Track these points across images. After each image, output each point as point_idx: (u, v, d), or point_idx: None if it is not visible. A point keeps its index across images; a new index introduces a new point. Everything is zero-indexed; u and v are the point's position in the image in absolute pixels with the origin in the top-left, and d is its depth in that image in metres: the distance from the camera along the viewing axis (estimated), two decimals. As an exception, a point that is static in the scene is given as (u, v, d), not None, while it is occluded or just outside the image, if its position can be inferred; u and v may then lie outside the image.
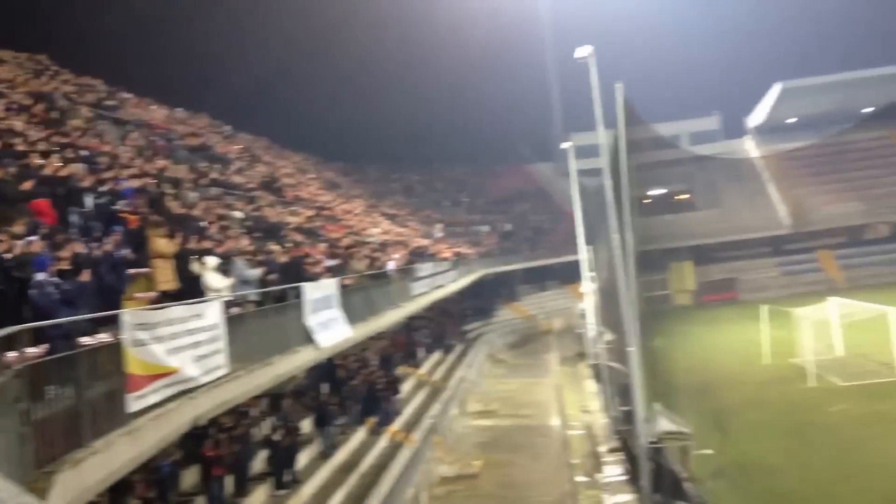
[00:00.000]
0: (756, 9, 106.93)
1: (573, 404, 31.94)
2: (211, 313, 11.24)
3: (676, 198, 78.03)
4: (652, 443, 17.08)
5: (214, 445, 14.79)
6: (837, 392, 27.71)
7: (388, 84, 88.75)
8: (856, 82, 73.92)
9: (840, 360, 32.19)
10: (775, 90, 74.71)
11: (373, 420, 22.45)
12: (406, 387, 28.30)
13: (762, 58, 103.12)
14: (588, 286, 39.04)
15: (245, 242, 17.85)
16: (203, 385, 10.60)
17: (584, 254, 40.13)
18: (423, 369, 32.86)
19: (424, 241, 44.32)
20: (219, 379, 11.10)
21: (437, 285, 33.80)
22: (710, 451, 19.17)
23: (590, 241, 39.24)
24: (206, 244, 14.80)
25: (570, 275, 56.89)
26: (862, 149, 78.30)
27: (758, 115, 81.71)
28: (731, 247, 72.76)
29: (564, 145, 44.99)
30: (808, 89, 74.10)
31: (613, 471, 21.27)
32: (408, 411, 25.64)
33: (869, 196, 72.08)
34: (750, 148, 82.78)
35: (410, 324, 34.35)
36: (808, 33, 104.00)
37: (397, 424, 23.42)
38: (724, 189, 77.63)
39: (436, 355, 37.06)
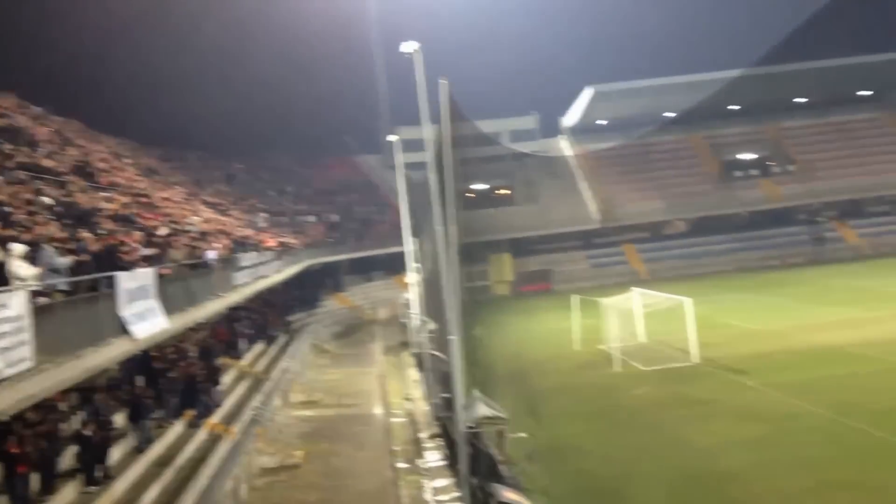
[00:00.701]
0: (572, 16, 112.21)
1: (396, 393, 32.45)
2: (15, 304, 10.66)
3: (497, 192, 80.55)
4: (470, 428, 17.68)
5: (18, 442, 13.98)
6: (640, 376, 29.76)
7: (210, 69, 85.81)
8: (660, 88, 79.19)
9: (642, 347, 34.53)
10: (588, 93, 78.68)
11: (191, 413, 21.87)
12: (227, 378, 27.72)
13: (576, 62, 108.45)
14: (413, 277, 39.70)
15: (54, 229, 16.92)
16: (5, 379, 10.07)
17: (409, 245, 40.76)
18: (245, 360, 32.29)
19: (247, 231, 43.40)
20: (23, 372, 10.57)
21: (260, 275, 33.28)
22: (524, 435, 20.10)
23: (415, 232, 39.91)
24: (12, 231, 13.94)
25: (395, 266, 57.54)
26: (664, 150, 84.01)
27: (572, 116, 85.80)
28: (547, 240, 76.18)
29: (391, 138, 45.45)
30: (617, 93, 78.57)
31: (433, 456, 21.88)
32: (228, 403, 25.17)
33: (669, 195, 77.54)
34: (564, 147, 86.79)
35: (232, 314, 33.62)
36: (619, 41, 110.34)
37: (217, 417, 22.93)
38: (541, 185, 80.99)
39: (258, 346, 36.47)
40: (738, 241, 74.47)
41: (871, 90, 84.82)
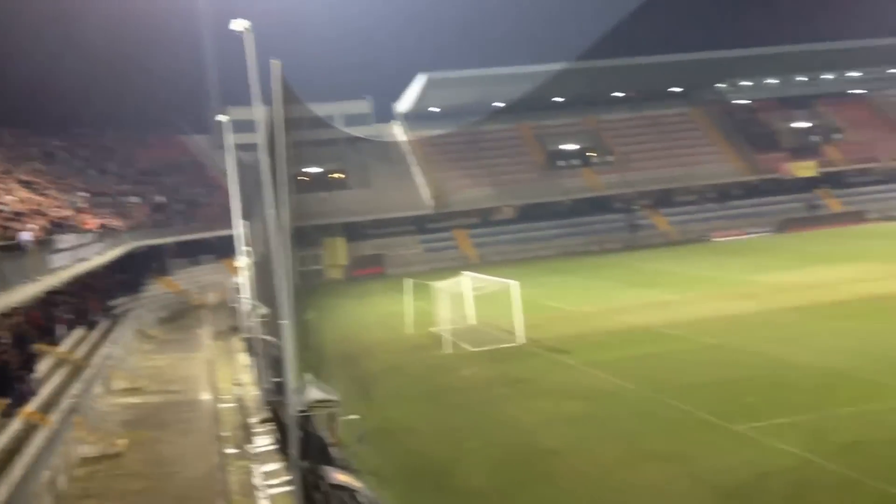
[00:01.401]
0: (407, 2, 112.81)
1: (225, 378, 31.80)
2: None
3: (330, 176, 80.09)
4: (301, 412, 17.68)
5: None
6: (469, 357, 30.68)
7: (25, 42, 79.93)
8: (490, 78, 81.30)
9: (472, 329, 35.58)
10: (421, 80, 79.65)
11: (4, 401, 20.57)
12: (43, 366, 26.21)
13: (411, 48, 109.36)
14: (243, 261, 38.90)
15: None
16: None
17: (239, 228, 39.89)
18: (64, 347, 30.61)
19: (66, 212, 40.98)
20: None
21: (80, 258, 31.58)
22: (356, 417, 20.31)
23: (246, 215, 39.09)
24: None
25: (225, 249, 56.10)
26: (494, 139, 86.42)
27: (405, 102, 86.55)
28: (380, 224, 76.67)
29: (220, 118, 44.22)
30: (449, 81, 79.98)
31: (263, 441, 21.70)
32: (45, 391, 23.82)
33: (498, 182, 79.95)
34: (398, 132, 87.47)
35: (49, 299, 31.73)
36: (453, 30, 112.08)
37: (33, 405, 21.69)
38: (375, 170, 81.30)
39: (78, 332, 34.64)
40: (562, 227, 77.97)
41: (681, 87, 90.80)
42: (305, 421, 17.59)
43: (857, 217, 75.42)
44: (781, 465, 16.03)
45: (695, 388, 22.71)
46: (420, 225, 78.40)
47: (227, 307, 50.11)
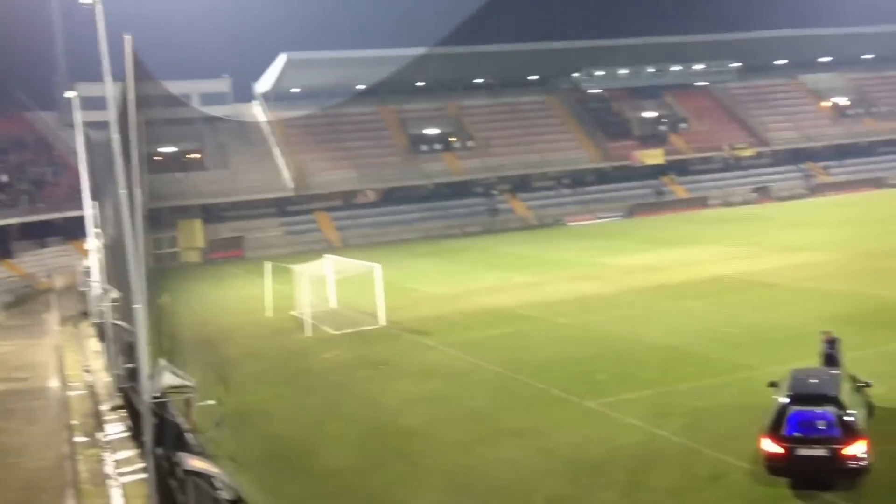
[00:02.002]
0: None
1: (75, 364, 30.45)
2: None
3: (187, 157, 77.50)
4: (155, 398, 17.23)
5: None
6: (330, 340, 30.64)
7: None
8: (352, 61, 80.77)
9: (334, 312, 35.49)
10: (281, 60, 78.11)
11: None
12: None
13: (271, 28, 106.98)
14: (93, 243, 37.21)
15: None
16: None
17: (89, 209, 38.10)
18: None
19: None
20: None
21: None
22: (212, 402, 19.98)
23: (96, 196, 37.38)
24: None
25: (74, 230, 53.42)
26: (356, 122, 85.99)
27: (265, 82, 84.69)
28: (239, 206, 75.02)
29: (69, 95, 42.05)
30: (311, 62, 78.90)
31: (115, 428, 21.00)
32: None
33: (361, 165, 79.75)
34: (258, 113, 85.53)
35: None
36: (313, 11, 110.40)
37: None
38: (233, 150, 79.29)
39: None
40: (424, 211, 78.68)
41: (539, 75, 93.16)
42: (160, 407, 17.16)
43: (700, 203, 79.88)
44: (628, 438, 16.95)
45: (549, 366, 23.58)
46: (281, 207, 77.20)
47: (76, 291, 47.81)
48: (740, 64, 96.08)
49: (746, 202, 79.34)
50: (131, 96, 18.20)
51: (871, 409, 15.69)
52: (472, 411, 20.05)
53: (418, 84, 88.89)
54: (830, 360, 17.00)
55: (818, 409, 13.62)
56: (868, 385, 15.94)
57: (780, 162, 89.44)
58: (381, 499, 15.21)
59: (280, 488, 16.17)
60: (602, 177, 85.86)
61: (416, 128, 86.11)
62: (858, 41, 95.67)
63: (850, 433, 13.24)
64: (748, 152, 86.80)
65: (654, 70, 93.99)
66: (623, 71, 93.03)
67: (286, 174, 77.37)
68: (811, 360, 20.71)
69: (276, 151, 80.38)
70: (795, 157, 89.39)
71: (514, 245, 60.46)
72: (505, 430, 18.35)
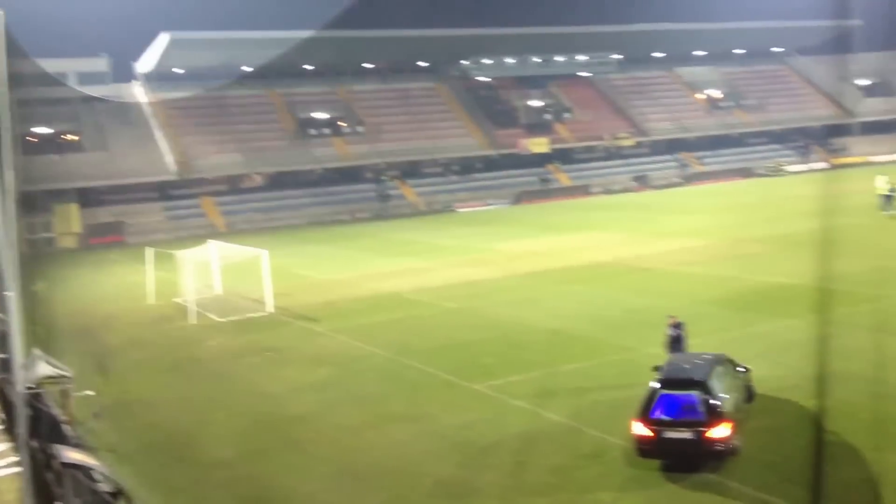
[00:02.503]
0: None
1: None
2: None
3: (63, 138, 74.02)
4: (30, 388, 16.57)
5: None
6: (216, 328, 30.06)
7: None
8: (238, 42, 78.95)
9: (219, 299, 34.78)
10: (163, 39, 75.49)
11: None
12: None
13: (153, 5, 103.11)
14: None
15: None
16: None
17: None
18: None
19: None
20: None
21: None
22: (91, 393, 19.32)
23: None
24: None
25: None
26: (242, 104, 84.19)
27: (147, 62, 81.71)
28: (119, 190, 72.30)
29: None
30: (194, 42, 76.64)
31: (-13, 423, 20.01)
32: None
33: (247, 148, 78.15)
34: (139, 93, 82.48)
35: None
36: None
37: None
38: (113, 132, 76.27)
39: None
40: (312, 196, 77.87)
41: (428, 62, 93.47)
42: (35, 398, 16.51)
43: (583, 190, 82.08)
44: (515, 419, 17.39)
45: (438, 351, 23.88)
46: (163, 191, 74.84)
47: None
48: (621, 56, 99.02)
49: (626, 190, 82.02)
50: (2, 74, 17.33)
51: (750, 393, 16.43)
52: (361, 397, 20.11)
53: (307, 67, 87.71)
54: (676, 342, 18.01)
55: (685, 393, 14.12)
56: (747, 370, 16.61)
57: (657, 151, 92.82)
58: (269, 487, 15.11)
59: (163, 480, 15.84)
60: (490, 164, 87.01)
61: (304, 111, 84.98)
62: (730, 36, 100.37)
63: (716, 416, 13.68)
64: (628, 142, 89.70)
65: (539, 60, 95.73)
66: (510, 60, 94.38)
67: (169, 157, 74.95)
68: (690, 340, 21.72)
69: (159, 134, 77.76)
70: (672, 146, 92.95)
71: (405, 231, 60.65)
72: (394, 414, 18.50)
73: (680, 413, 13.95)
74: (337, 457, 16.27)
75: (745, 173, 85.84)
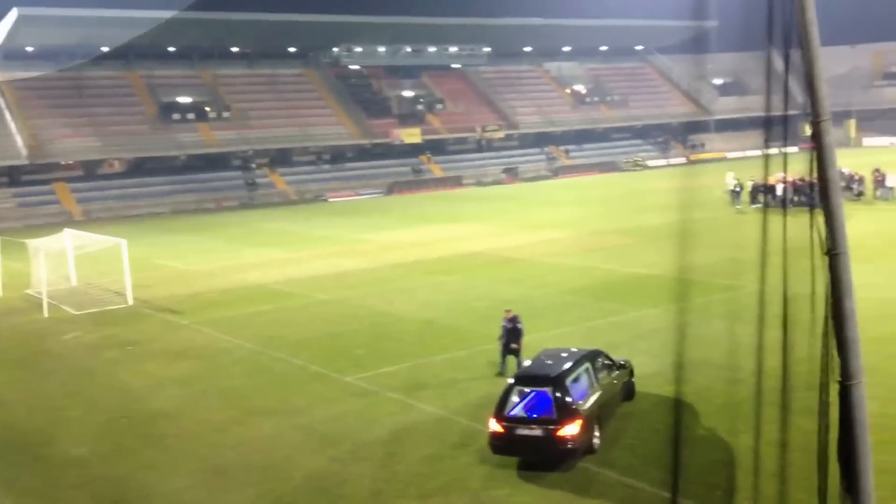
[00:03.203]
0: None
1: None
2: None
3: None
4: None
5: None
6: (71, 321, 28.58)
7: None
8: (94, 20, 75.17)
9: (75, 290, 33.12)
10: (12, 15, 70.90)
11: None
12: None
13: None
14: None
15: None
16: None
17: None
18: None
19: None
20: None
21: None
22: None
23: None
24: None
25: None
26: (99, 86, 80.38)
27: (-6, 39, 76.64)
28: (-38, 175, 67.59)
29: None
30: (46, 19, 72.49)
31: None
32: None
33: (104, 132, 74.67)
34: (-14, 72, 77.29)
35: None
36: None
37: None
38: (-45, 112, 71.18)
39: None
40: (176, 184, 75.28)
41: (297, 48, 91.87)
42: None
43: (455, 182, 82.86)
44: (386, 410, 17.34)
45: (308, 343, 23.54)
46: (13, 177, 70.43)
47: None
48: (491, 49, 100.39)
49: (497, 182, 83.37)
50: None
51: (630, 390, 16.52)
52: (227, 391, 19.58)
53: (170, 49, 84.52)
54: (514, 334, 18.41)
55: (537, 390, 13.97)
56: (623, 366, 16.55)
57: (526, 145, 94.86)
58: (128, 486, 14.45)
59: (14, 481, 14.91)
60: (362, 153, 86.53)
61: (167, 95, 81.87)
62: (595, 33, 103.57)
63: (568, 414, 13.49)
64: (499, 134, 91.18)
65: (412, 50, 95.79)
66: (382, 49, 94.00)
67: (19, 140, 70.55)
68: (556, 329, 22.33)
69: (7, 115, 73.06)
70: (540, 140, 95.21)
71: (274, 220, 59.48)
72: (262, 409, 18.09)
73: (531, 410, 13.82)
74: (201, 453, 15.75)
75: (610, 167, 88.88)
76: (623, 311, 24.77)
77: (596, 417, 14.22)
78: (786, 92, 7.47)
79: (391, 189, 79.19)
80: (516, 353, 18.53)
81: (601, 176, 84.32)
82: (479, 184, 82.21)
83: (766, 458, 10.19)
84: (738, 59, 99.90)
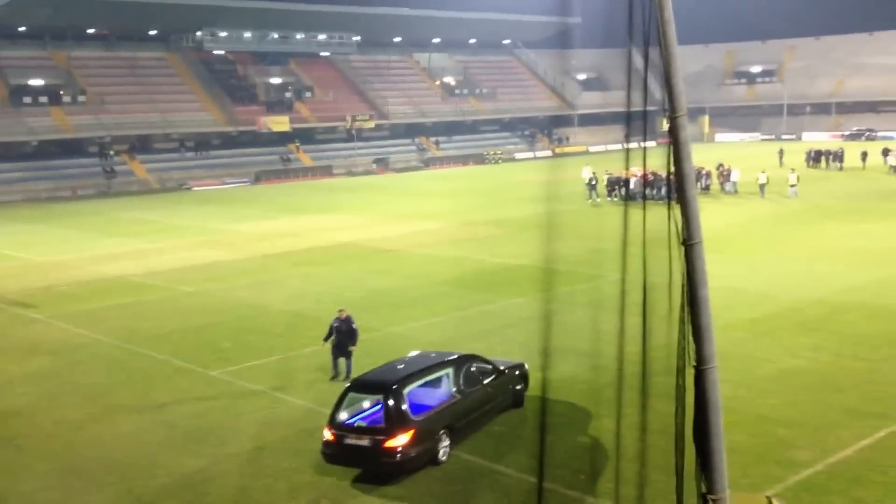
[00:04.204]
0: None
1: None
2: None
3: None
4: None
5: None
6: None
7: None
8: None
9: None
10: None
11: None
12: None
13: None
14: None
15: None
16: None
17: None
18: None
19: None
20: None
21: None
22: None
23: None
24: None
25: None
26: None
27: None
28: None
29: None
30: None
31: None
32: None
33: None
34: None
35: None
36: None
37: None
38: None
39: None
40: (27, 171, 71.21)
41: (158, 30, 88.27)
42: None
43: (325, 171, 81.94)
44: (253, 404, 17.04)
45: (171, 337, 22.81)
46: None
47: None
48: (361, 38, 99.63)
49: (368, 172, 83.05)
50: None
51: (516, 397, 15.57)
52: (85, 388, 18.72)
53: (20, 29, 79.53)
54: (350, 335, 18.25)
55: (372, 398, 13.60)
56: (503, 372, 15.45)
57: (397, 135, 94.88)
58: (-24, 492, 13.59)
59: None
60: (228, 141, 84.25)
61: (17, 77, 77.02)
62: (464, 26, 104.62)
63: (398, 425, 12.76)
64: (369, 124, 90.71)
65: (279, 36, 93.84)
66: (248, 34, 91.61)
67: None
68: (428, 321, 22.52)
69: None
70: (411, 131, 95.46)
71: (134, 209, 57.10)
72: (123, 405, 17.41)
73: (362, 418, 13.48)
74: (58, 453, 15.00)
75: (478, 159, 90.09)
76: (493, 301, 25.19)
77: (447, 428, 13.51)
78: (645, 88, 7.77)
79: (259, 178, 77.50)
80: (349, 355, 18.25)
81: (471, 167, 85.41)
82: (350, 174, 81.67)
83: (627, 440, 10.63)
84: (600, 55, 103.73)
